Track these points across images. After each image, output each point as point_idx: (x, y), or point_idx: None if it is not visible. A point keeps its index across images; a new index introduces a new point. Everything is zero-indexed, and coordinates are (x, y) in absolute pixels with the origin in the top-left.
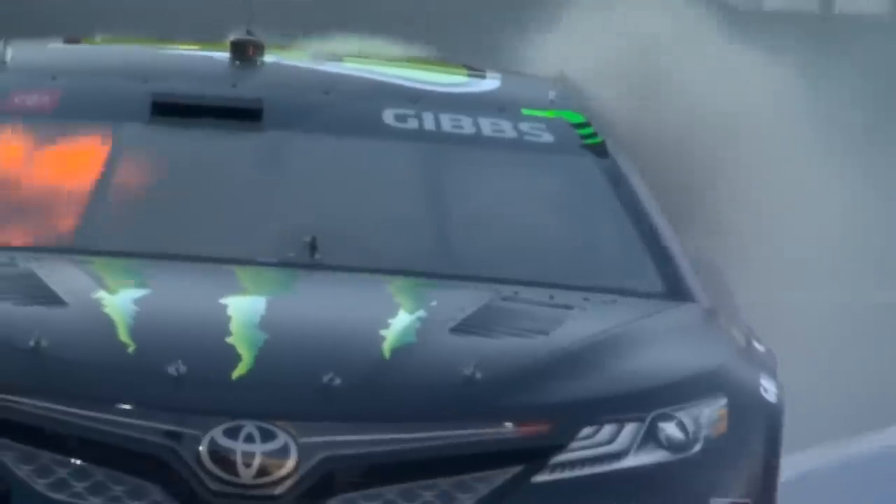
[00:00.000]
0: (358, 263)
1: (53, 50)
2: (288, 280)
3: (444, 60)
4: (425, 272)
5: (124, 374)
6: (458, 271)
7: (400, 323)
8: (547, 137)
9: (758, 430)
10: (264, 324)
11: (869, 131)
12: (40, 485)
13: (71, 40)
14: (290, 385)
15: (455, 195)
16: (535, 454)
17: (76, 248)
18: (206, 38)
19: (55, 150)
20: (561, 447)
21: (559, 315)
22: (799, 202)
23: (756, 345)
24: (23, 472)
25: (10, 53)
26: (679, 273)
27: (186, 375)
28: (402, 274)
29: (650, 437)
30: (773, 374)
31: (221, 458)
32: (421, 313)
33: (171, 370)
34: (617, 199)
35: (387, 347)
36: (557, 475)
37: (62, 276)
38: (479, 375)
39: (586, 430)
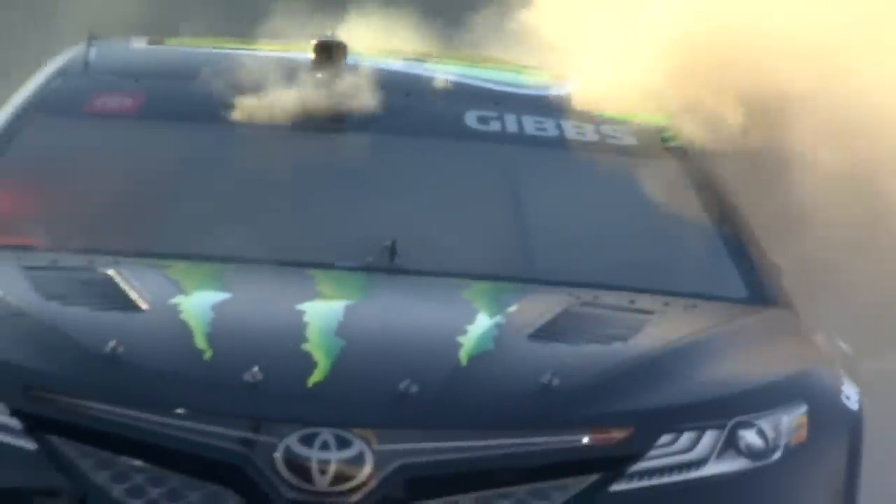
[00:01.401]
0: (437, 268)
1: (136, 51)
2: (366, 285)
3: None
4: (505, 277)
5: (200, 381)
6: (538, 275)
7: (478, 329)
8: (629, 140)
9: (838, 439)
10: (341, 330)
11: None
12: (117, 490)
13: (154, 41)
14: (366, 392)
15: (536, 198)
16: (613, 462)
17: (155, 253)
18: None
19: (136, 152)
20: (639, 455)
21: (639, 321)
22: None
23: (843, 349)
24: (100, 477)
25: (93, 54)
26: (762, 278)
27: (262, 382)
28: (482, 279)
29: (730, 445)
30: (856, 380)
31: (297, 465)
32: (499, 319)
33: (248, 377)
34: (699, 202)
35: (464, 354)
36: (635, 484)
37: (139, 282)
38: (556, 383)
39: (665, 438)
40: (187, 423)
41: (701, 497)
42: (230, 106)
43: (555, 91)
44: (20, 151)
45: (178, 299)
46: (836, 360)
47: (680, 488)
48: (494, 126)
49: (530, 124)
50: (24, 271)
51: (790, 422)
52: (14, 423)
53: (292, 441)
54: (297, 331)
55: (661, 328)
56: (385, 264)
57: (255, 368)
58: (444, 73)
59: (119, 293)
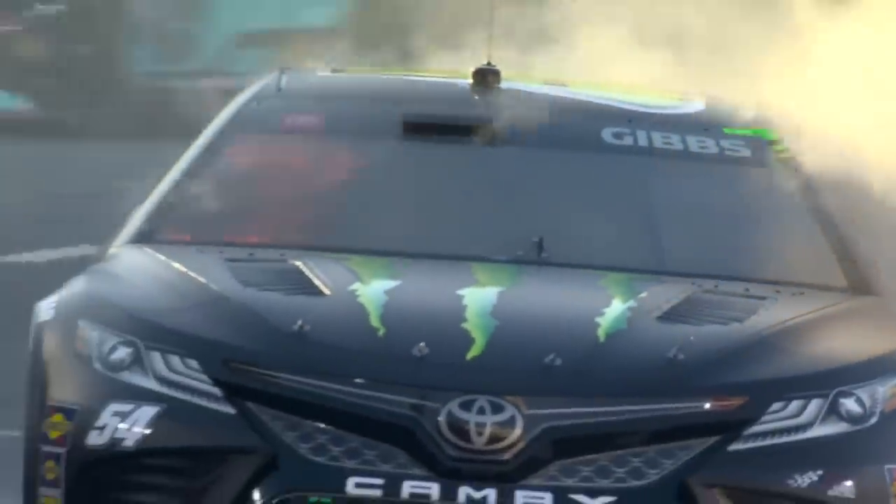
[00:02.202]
0: (578, 261)
1: (320, 78)
2: (517, 275)
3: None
4: (636, 269)
5: (375, 354)
6: (665, 268)
7: (613, 312)
8: (744, 152)
9: None
10: (495, 312)
11: None
12: (303, 449)
13: (335, 70)
14: (516, 365)
15: (663, 202)
16: (731, 426)
17: (336, 248)
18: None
19: (319, 163)
20: (754, 420)
21: (753, 305)
22: None
23: None
24: (288, 438)
25: (284, 81)
26: (861, 270)
27: (428, 356)
28: (616, 270)
29: (832, 411)
30: None
31: (457, 427)
32: (631, 304)
33: (415, 351)
34: (806, 205)
35: (601, 332)
36: (750, 444)
37: (323, 271)
38: (681, 357)
39: (776, 405)
40: (364, 391)
41: (807, 455)
42: (401, 123)
43: (678, 110)
44: (223, 164)
45: (356, 286)
46: None
47: (789, 448)
48: (627, 140)
49: (658, 139)
50: (226, 263)
51: (885, 391)
52: (215, 391)
53: (453, 406)
54: (458, 312)
55: (773, 312)
56: (533, 258)
57: (422, 344)
58: (583, 95)
59: (306, 281)
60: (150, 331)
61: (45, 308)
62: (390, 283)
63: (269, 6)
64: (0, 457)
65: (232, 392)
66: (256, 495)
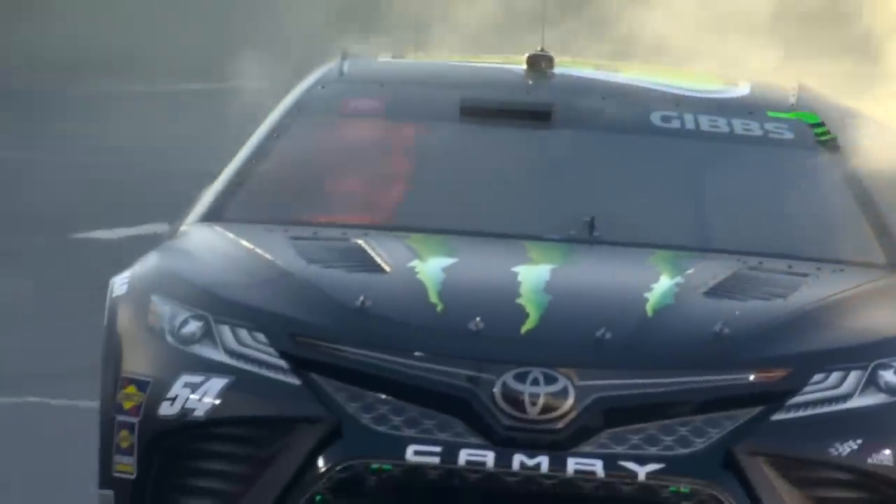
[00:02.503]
0: (628, 239)
1: (382, 63)
2: (569, 253)
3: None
4: (684, 246)
5: (433, 329)
6: (711, 245)
7: (661, 287)
8: (788, 135)
9: None
10: (549, 287)
11: None
12: (365, 419)
13: (396, 56)
14: (568, 338)
15: (710, 183)
16: (774, 396)
17: (396, 226)
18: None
19: (380, 145)
20: (796, 391)
21: (796, 281)
22: None
23: None
24: (351, 408)
25: (346, 66)
26: None
27: (484, 330)
28: (665, 248)
29: (871, 383)
30: None
31: (512, 398)
32: (679, 280)
33: (472, 326)
34: (846, 186)
35: (650, 307)
36: (793, 414)
37: (384, 249)
38: (726, 331)
39: (817, 377)
40: (423, 364)
41: (847, 425)
42: (458, 107)
43: (724, 94)
44: (288, 145)
45: (415, 263)
46: None
47: (829, 418)
48: (675, 124)
49: (705, 122)
50: (291, 241)
51: None
52: (282, 363)
53: (508, 378)
54: (512, 288)
55: (815, 288)
56: (585, 236)
57: (478, 319)
58: (632, 80)
59: (367, 258)
60: (220, 305)
61: (119, 283)
62: (447, 261)
63: None
64: (85, 426)
65: (297, 364)
66: (321, 462)
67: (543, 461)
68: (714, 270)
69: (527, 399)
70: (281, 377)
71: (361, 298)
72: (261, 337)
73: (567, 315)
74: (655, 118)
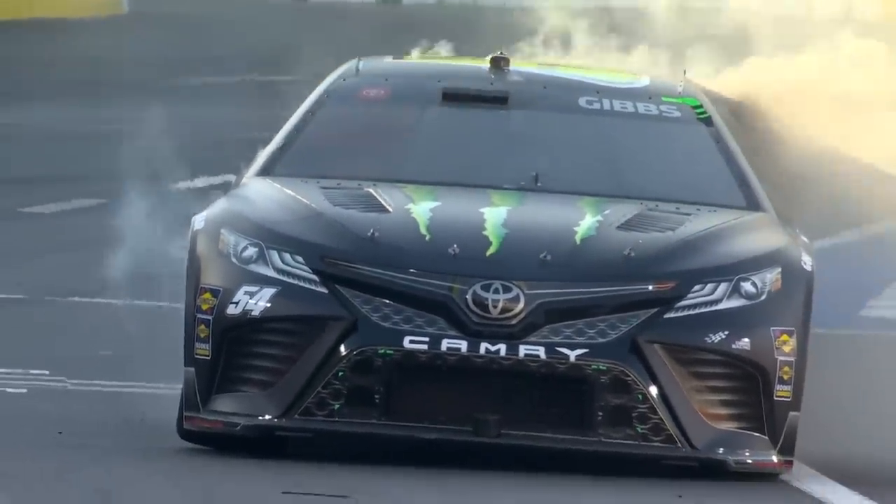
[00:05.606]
0: (563, 188)
1: (386, 62)
2: (521, 198)
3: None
4: (603, 193)
5: (423, 253)
6: (622, 193)
7: (586, 223)
8: (676, 114)
9: (799, 288)
10: (506, 223)
11: None
12: (374, 317)
13: (396, 58)
14: (520, 259)
15: (621, 148)
16: (666, 301)
17: (397, 179)
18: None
19: (386, 121)
20: (681, 297)
21: (682, 219)
22: None
23: (802, 237)
24: (364, 310)
25: (361, 65)
26: (756, 193)
27: (459, 254)
28: (589, 195)
29: (735, 291)
30: (810, 254)
31: (479, 302)
32: (599, 218)
33: (451, 251)
34: (717, 150)
35: (578, 237)
36: (680, 314)
37: (387, 195)
38: (633, 254)
39: (697, 287)
40: (416, 278)
41: (717, 321)
42: (442, 93)
43: (631, 85)
44: (318, 124)
45: (410, 206)
46: (798, 242)
47: (705, 317)
48: (596, 105)
49: (617, 104)
50: (321, 189)
51: (771, 277)
52: (315, 277)
53: (477, 288)
54: (480, 223)
55: (695, 223)
56: (532, 186)
57: (455, 245)
58: (566, 74)
59: (375, 202)
60: (270, 235)
61: (198, 220)
62: (434, 204)
63: None
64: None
65: (325, 278)
66: (342, 349)
67: (502, 348)
68: (624, 211)
69: (490, 303)
70: (313, 287)
71: (371, 230)
72: (299, 259)
73: (519, 243)
74: (582, 101)
